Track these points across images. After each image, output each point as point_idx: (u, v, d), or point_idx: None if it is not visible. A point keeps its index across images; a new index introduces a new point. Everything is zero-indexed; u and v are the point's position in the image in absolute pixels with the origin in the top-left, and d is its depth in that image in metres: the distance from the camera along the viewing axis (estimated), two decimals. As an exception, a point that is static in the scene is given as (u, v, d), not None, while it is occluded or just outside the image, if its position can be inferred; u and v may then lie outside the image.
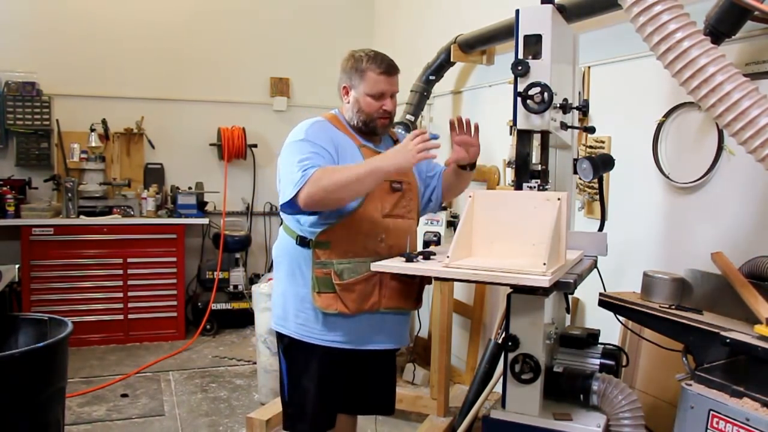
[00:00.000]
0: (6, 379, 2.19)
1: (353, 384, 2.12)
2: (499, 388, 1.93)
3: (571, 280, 1.63)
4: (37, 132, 4.64)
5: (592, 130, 2.11)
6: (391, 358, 2.24)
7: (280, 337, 2.09)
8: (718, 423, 1.47)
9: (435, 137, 1.81)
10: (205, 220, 4.88)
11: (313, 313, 1.98)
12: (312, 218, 1.95)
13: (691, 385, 1.56)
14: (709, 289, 1.93)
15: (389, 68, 2.00)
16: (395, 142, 2.17)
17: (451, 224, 3.57)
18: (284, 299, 2.06)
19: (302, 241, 1.98)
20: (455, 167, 2.16)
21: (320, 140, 1.92)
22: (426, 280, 2.11)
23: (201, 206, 4.93)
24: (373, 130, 2.02)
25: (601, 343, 2.01)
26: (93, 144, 4.73)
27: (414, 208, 2.11)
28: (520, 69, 1.74)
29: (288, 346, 2.07)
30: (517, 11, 1.78)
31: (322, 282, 1.93)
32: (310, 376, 2.03)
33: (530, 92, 1.73)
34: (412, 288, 2.05)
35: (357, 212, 1.94)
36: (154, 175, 5.01)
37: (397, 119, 4.21)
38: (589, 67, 2.84)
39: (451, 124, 2.07)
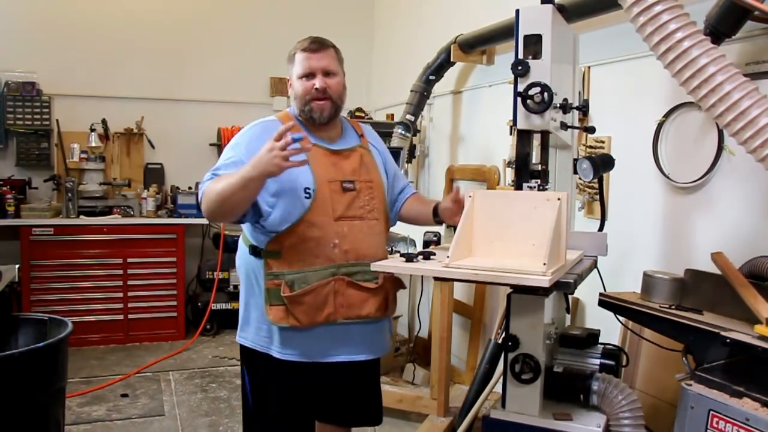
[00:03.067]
0: (6, 379, 2.19)
1: (325, 395, 2.01)
2: (499, 388, 1.93)
3: (571, 280, 1.63)
4: (37, 132, 4.65)
5: (592, 130, 2.11)
6: (368, 368, 2.06)
7: (243, 350, 1.99)
8: (718, 423, 1.47)
9: (298, 138, 1.63)
10: (205, 220, 4.87)
11: (270, 326, 1.88)
12: (260, 226, 1.86)
13: (691, 385, 1.56)
14: (709, 289, 1.93)
15: (313, 44, 1.89)
16: (361, 136, 2.05)
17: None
18: (245, 310, 1.97)
19: (254, 251, 1.89)
20: (433, 210, 2.03)
21: (250, 147, 1.79)
22: (397, 285, 2.01)
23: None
24: (310, 114, 1.88)
25: (601, 343, 2.01)
26: (93, 144, 4.73)
27: (377, 207, 1.97)
28: (520, 69, 1.74)
29: (250, 359, 1.98)
30: (517, 11, 1.78)
31: (273, 294, 1.83)
32: (273, 388, 1.94)
33: (530, 92, 1.73)
34: (375, 296, 1.92)
35: (305, 217, 1.82)
36: (154, 175, 5.00)
37: (397, 119, 4.22)
38: (589, 67, 2.84)
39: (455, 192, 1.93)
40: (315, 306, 1.84)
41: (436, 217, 2.02)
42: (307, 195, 1.82)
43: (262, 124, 1.93)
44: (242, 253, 1.97)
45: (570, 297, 2.21)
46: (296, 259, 1.83)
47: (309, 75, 1.88)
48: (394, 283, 1.99)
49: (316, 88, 1.86)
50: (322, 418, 2.08)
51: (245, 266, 1.95)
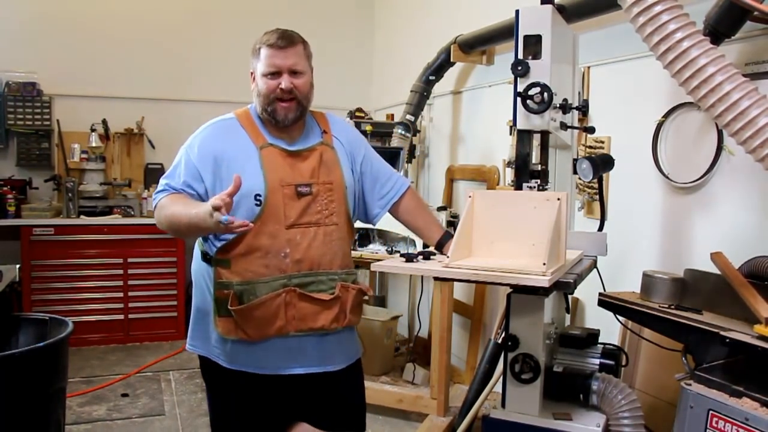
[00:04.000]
0: (6, 379, 2.20)
1: (294, 407, 1.87)
2: (499, 388, 1.93)
3: (571, 280, 1.63)
4: (37, 132, 4.64)
5: (592, 130, 2.12)
6: (333, 379, 1.88)
7: (199, 357, 1.88)
8: (717, 423, 1.47)
9: (224, 221, 1.48)
10: (205, 220, 4.87)
11: (221, 338, 1.77)
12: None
13: (690, 385, 1.56)
14: (709, 289, 1.93)
15: (280, 39, 1.76)
16: (324, 132, 1.89)
17: (451, 224, 3.57)
18: (195, 316, 1.88)
19: (205, 257, 1.79)
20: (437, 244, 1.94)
21: (202, 150, 1.77)
22: (358, 294, 1.87)
23: (201, 206, 4.92)
24: (273, 116, 1.77)
25: (601, 343, 2.01)
26: (93, 144, 4.72)
27: (337, 212, 1.83)
28: (520, 69, 1.75)
29: (203, 367, 1.89)
30: (517, 11, 1.78)
31: (222, 305, 1.73)
32: (230, 401, 1.84)
33: (530, 92, 1.73)
34: (330, 308, 1.80)
35: (255, 225, 1.68)
36: (154, 175, 4.99)
37: (397, 119, 4.22)
38: (589, 67, 2.84)
39: None
40: (265, 319, 1.73)
41: (440, 247, 1.91)
42: (258, 202, 1.72)
43: (218, 123, 1.85)
44: (195, 257, 1.87)
45: (570, 297, 2.22)
46: (245, 269, 1.73)
47: (274, 73, 1.77)
48: (355, 292, 1.86)
49: (282, 89, 1.75)
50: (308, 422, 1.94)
51: (197, 271, 1.85)
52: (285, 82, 1.75)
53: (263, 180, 1.73)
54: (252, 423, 1.84)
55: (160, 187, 1.81)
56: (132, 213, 4.70)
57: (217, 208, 1.49)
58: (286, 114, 1.77)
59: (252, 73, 1.85)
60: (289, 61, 1.77)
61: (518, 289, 1.74)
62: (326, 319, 1.80)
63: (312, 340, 1.81)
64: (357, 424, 2.00)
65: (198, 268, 1.85)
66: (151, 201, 4.63)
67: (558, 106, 1.79)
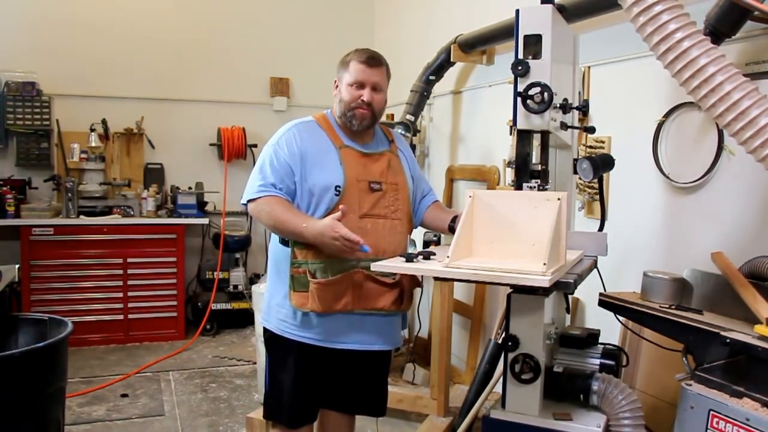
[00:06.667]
0: (6, 379, 2.20)
1: (334, 382, 2.14)
2: (499, 388, 1.93)
3: (571, 280, 1.63)
4: (37, 132, 4.64)
5: (592, 130, 2.11)
6: (377, 359, 2.19)
7: (265, 331, 2.15)
8: (718, 423, 1.47)
9: (365, 250, 1.83)
10: (205, 220, 4.88)
11: (292, 310, 2.02)
12: None
13: (691, 385, 1.56)
14: (709, 289, 1.93)
15: (370, 59, 2.04)
16: (391, 142, 2.18)
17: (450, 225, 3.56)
18: (270, 295, 2.12)
19: (283, 240, 2.04)
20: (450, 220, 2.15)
21: (288, 150, 2.00)
22: (413, 281, 2.09)
23: (201, 206, 4.93)
24: (350, 120, 2.03)
25: (601, 343, 2.01)
26: (93, 144, 4.73)
27: (401, 209, 2.11)
28: (520, 69, 1.74)
29: (269, 340, 2.14)
30: (517, 11, 1.78)
31: (298, 281, 1.99)
32: (287, 370, 2.08)
33: (530, 92, 1.73)
34: (392, 290, 2.04)
35: (331, 213, 1.94)
36: (154, 175, 5.01)
37: (397, 119, 4.22)
38: (589, 67, 2.84)
39: None
40: (335, 295, 1.97)
41: (452, 230, 2.07)
42: (337, 193, 1.98)
43: (300, 124, 2.08)
44: (273, 242, 2.11)
45: (570, 297, 2.21)
46: (320, 250, 1.94)
47: (360, 85, 2.02)
48: (411, 280, 2.08)
49: (363, 100, 2.01)
50: (327, 406, 2.20)
51: (274, 255, 2.10)
52: (367, 94, 2.02)
53: (342, 174, 1.99)
54: (300, 387, 2.08)
55: (256, 183, 2.02)
56: (131, 213, 4.70)
57: (347, 241, 1.81)
58: (362, 121, 2.03)
59: (336, 82, 2.11)
60: (374, 78, 2.03)
61: (518, 289, 1.74)
62: (387, 301, 2.03)
63: (371, 320, 2.04)
64: (382, 406, 2.27)
65: (276, 251, 2.09)
66: (150, 201, 4.66)
67: (558, 106, 1.78)
